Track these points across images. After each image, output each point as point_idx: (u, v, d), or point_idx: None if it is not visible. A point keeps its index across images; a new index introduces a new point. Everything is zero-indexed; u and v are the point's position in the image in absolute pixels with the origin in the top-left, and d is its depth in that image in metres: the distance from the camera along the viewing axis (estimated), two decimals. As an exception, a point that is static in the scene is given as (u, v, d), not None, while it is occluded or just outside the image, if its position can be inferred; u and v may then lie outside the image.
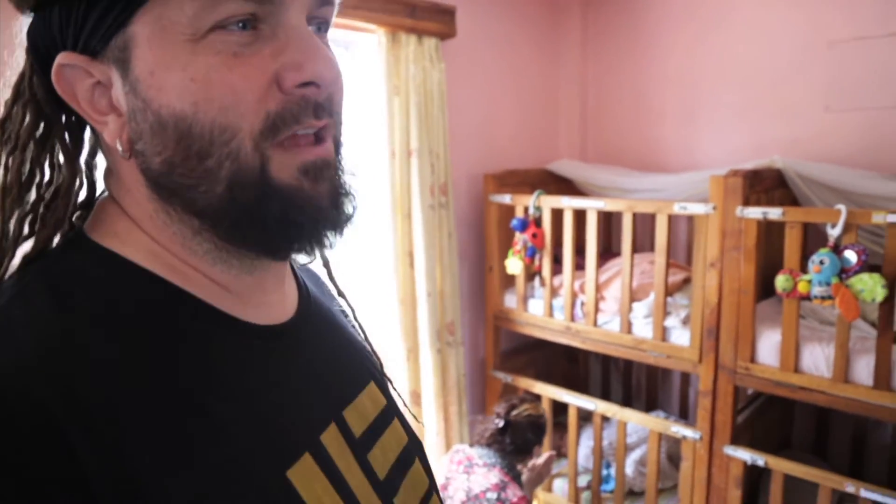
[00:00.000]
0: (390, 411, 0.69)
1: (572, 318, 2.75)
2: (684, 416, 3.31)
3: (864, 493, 2.04)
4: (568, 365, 3.56)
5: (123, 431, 0.42)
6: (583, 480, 2.91)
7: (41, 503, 0.39)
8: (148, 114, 0.49)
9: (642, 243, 3.10)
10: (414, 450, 0.70)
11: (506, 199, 2.88)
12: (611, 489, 2.84)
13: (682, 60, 3.15)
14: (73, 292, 0.48)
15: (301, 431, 0.55)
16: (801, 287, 2.04)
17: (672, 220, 2.40)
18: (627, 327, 2.57)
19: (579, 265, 2.83)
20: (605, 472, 2.92)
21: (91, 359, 0.44)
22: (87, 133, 0.58)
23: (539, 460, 2.39)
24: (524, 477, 2.34)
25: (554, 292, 2.83)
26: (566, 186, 3.26)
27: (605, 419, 2.78)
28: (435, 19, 2.72)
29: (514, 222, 2.81)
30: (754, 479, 2.61)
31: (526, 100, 3.40)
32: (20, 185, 0.54)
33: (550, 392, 2.86)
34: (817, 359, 2.12)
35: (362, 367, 0.69)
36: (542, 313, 2.85)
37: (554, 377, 3.26)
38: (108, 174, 0.56)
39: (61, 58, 0.50)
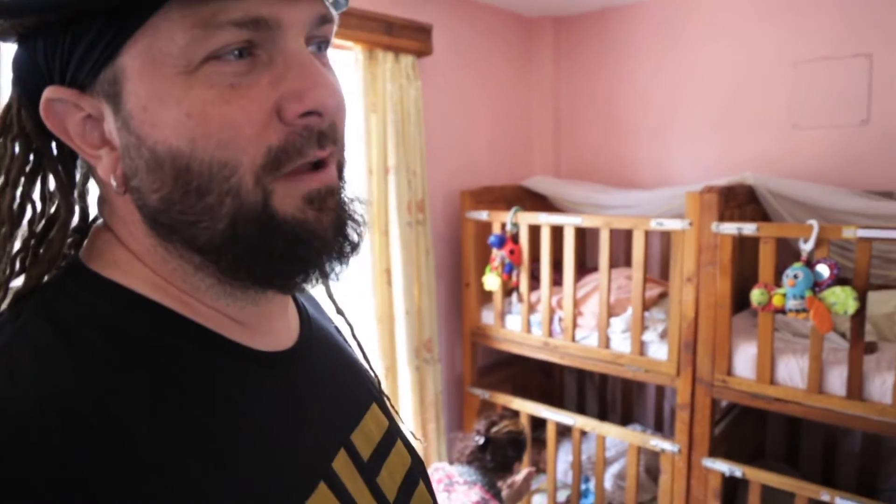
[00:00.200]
0: (393, 432, 0.68)
1: (550, 334, 2.77)
2: (659, 428, 3.35)
3: (839, 502, 2.09)
4: (544, 380, 3.58)
5: (141, 470, 0.41)
6: (562, 495, 2.92)
7: None
8: (143, 150, 0.46)
9: (616, 259, 3.14)
10: (417, 470, 0.69)
11: (482, 215, 2.89)
12: (590, 503, 2.85)
13: (653, 79, 3.22)
14: (78, 327, 0.46)
15: (314, 460, 0.54)
16: (776, 300, 2.09)
17: (647, 235, 2.44)
18: (605, 342, 2.59)
19: (556, 281, 2.85)
20: (584, 486, 2.93)
21: (105, 398, 0.43)
22: (79, 160, 0.56)
23: (519, 477, 2.39)
24: (504, 494, 2.33)
25: (531, 308, 2.84)
26: (541, 203, 3.29)
27: (584, 434, 2.79)
28: (412, 37, 2.73)
29: (492, 239, 2.82)
30: (730, 490, 2.65)
31: (500, 117, 3.43)
32: (12, 222, 0.51)
33: (529, 408, 2.87)
34: (792, 370, 2.17)
35: (364, 389, 0.69)
36: (520, 329, 2.87)
37: (530, 392, 3.27)
38: (102, 203, 0.54)
39: (49, 92, 0.47)
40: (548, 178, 3.40)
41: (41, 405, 0.40)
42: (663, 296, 2.72)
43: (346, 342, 0.76)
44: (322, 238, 0.50)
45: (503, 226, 2.82)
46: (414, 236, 2.80)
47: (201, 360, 0.50)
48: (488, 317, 3.01)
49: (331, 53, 0.56)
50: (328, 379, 0.63)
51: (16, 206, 0.51)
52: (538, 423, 2.97)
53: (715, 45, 3.00)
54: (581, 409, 3.52)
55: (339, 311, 0.77)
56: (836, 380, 2.08)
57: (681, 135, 3.16)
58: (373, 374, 0.75)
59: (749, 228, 2.18)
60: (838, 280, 2.01)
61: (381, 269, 2.73)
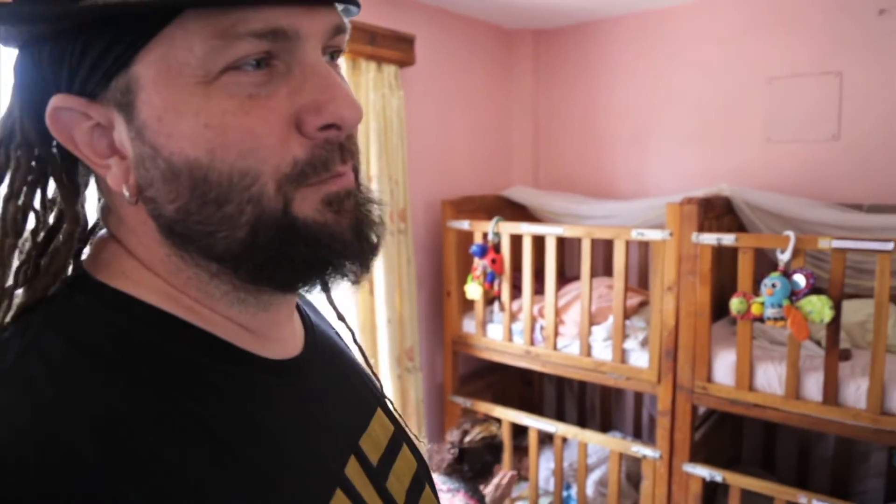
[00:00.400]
0: (399, 437, 0.68)
1: (532, 342, 2.79)
2: (638, 436, 3.40)
3: (816, 504, 2.15)
4: (523, 388, 3.61)
5: (168, 483, 0.41)
6: (544, 502, 2.94)
7: None
8: (158, 161, 0.46)
9: (595, 268, 3.18)
10: (423, 474, 0.69)
11: (464, 225, 2.91)
12: (571, 510, 2.87)
13: (630, 92, 3.29)
14: (91, 340, 0.45)
15: (329, 467, 0.54)
16: (755, 309, 2.15)
17: (627, 245, 2.49)
18: (587, 350, 2.63)
19: (537, 290, 2.88)
20: (565, 493, 2.95)
21: (126, 411, 0.42)
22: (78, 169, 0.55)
23: (502, 480, 2.40)
24: (488, 499, 2.34)
25: (513, 317, 2.87)
26: (520, 213, 3.33)
27: (564, 441, 2.82)
28: (394, 47, 2.75)
29: (474, 248, 2.85)
30: (708, 495, 2.70)
31: (480, 127, 3.46)
32: (16, 233, 0.50)
33: (510, 416, 2.89)
34: (770, 377, 2.23)
35: (369, 394, 0.69)
36: (502, 338, 2.89)
37: (510, 400, 3.29)
38: (107, 213, 0.53)
39: (56, 100, 0.46)
40: (528, 189, 3.44)
41: (64, 419, 0.40)
42: (643, 304, 2.77)
43: (347, 347, 0.76)
44: (342, 240, 0.50)
45: (485, 235, 2.85)
46: (395, 245, 2.81)
47: (217, 372, 0.50)
48: (469, 325, 3.03)
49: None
50: (334, 385, 0.63)
51: (20, 217, 0.50)
52: (519, 431, 3.00)
53: (691, 60, 3.08)
54: (560, 417, 3.56)
55: (341, 317, 0.77)
56: (813, 386, 2.15)
57: (658, 147, 3.23)
58: (375, 379, 0.74)
59: (728, 239, 2.23)
60: (814, 289, 2.08)
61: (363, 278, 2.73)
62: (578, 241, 3.04)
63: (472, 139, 3.41)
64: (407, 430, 0.72)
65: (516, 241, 2.79)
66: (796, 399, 2.16)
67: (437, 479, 2.26)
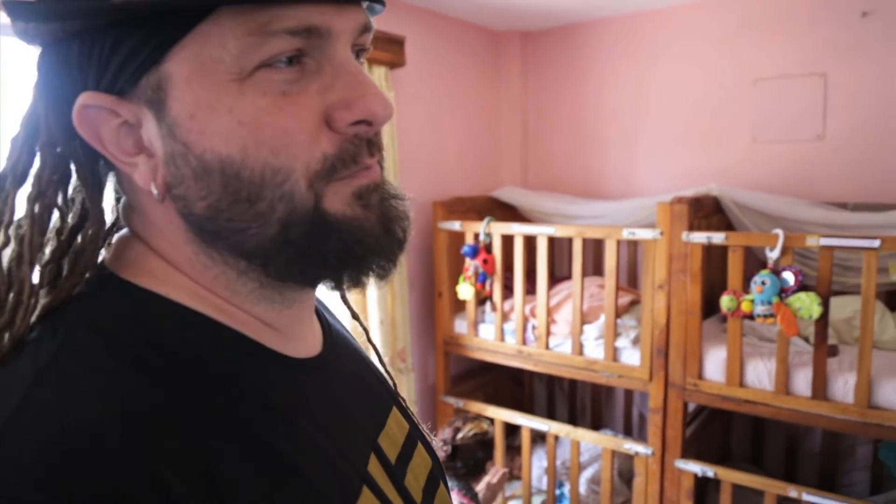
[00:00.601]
0: (414, 435, 0.69)
1: (524, 342, 2.81)
2: (629, 433, 3.43)
3: (806, 497, 2.19)
4: (514, 387, 3.63)
5: (211, 480, 0.41)
6: (537, 501, 2.96)
7: None
8: (189, 158, 0.46)
9: (586, 268, 3.21)
10: (438, 472, 0.70)
11: (455, 225, 2.93)
12: (564, 508, 2.90)
13: (618, 93, 3.33)
14: (124, 339, 0.45)
15: (354, 465, 0.54)
16: (745, 306, 2.18)
17: (618, 244, 2.51)
18: (579, 349, 2.65)
19: (528, 290, 2.90)
20: (558, 491, 2.98)
21: (166, 409, 0.43)
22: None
23: (493, 478, 2.42)
24: (481, 496, 2.36)
25: (505, 317, 2.89)
26: (510, 213, 3.35)
27: (556, 439, 2.84)
28: (385, 48, 2.76)
29: (466, 249, 2.86)
30: (700, 490, 2.73)
31: (470, 128, 3.48)
32: (42, 232, 0.49)
33: (503, 415, 2.91)
34: (760, 373, 2.26)
35: (384, 392, 0.69)
36: (494, 338, 2.91)
37: (501, 400, 3.31)
38: (130, 211, 0.53)
39: (85, 98, 0.45)
40: (518, 189, 3.46)
41: (106, 416, 0.40)
42: (634, 303, 2.80)
43: (360, 347, 0.77)
44: (373, 234, 0.50)
45: (476, 236, 2.86)
46: (388, 246, 2.81)
47: (249, 370, 0.50)
48: (461, 326, 3.04)
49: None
50: (352, 384, 0.64)
51: (46, 216, 0.50)
52: (511, 430, 3.01)
53: (679, 61, 3.12)
54: (551, 416, 3.57)
55: (355, 316, 0.77)
56: (802, 381, 2.19)
57: (646, 147, 3.26)
58: (388, 378, 0.75)
59: (718, 237, 2.27)
60: (802, 287, 2.12)
61: (357, 280, 2.73)
62: (569, 241, 3.08)
63: (462, 140, 3.43)
64: (421, 428, 0.72)
65: (507, 241, 2.81)
66: (786, 394, 2.19)
67: (431, 477, 2.27)
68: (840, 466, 2.88)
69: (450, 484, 2.25)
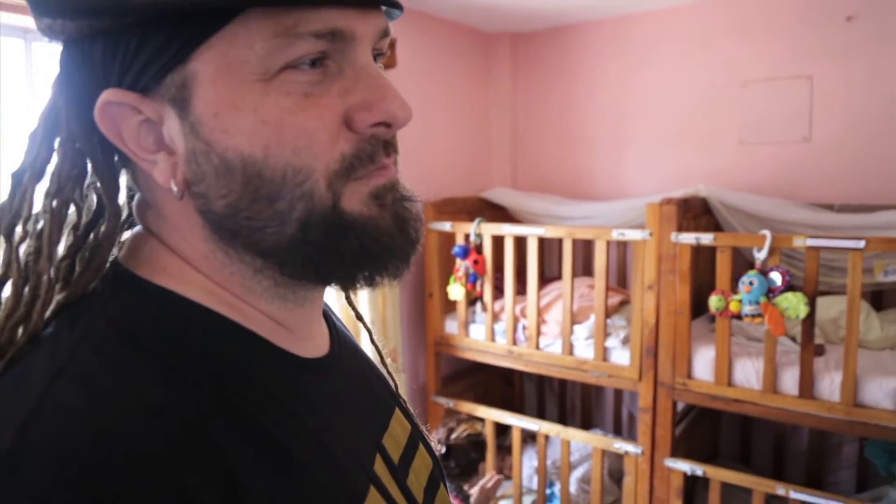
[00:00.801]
0: (415, 436, 0.69)
1: (515, 342, 2.82)
2: (619, 432, 3.45)
3: (794, 495, 2.21)
4: (505, 387, 3.64)
5: (227, 478, 0.42)
6: (528, 500, 2.97)
7: None
8: (212, 156, 0.46)
9: (575, 268, 3.23)
10: (438, 473, 0.71)
11: (446, 226, 2.94)
12: (554, 508, 2.91)
13: (607, 94, 3.35)
14: (142, 336, 0.46)
15: (361, 465, 0.55)
16: (733, 306, 2.21)
17: (607, 245, 2.53)
18: (569, 349, 2.67)
19: (518, 290, 2.92)
20: (549, 490, 2.99)
21: (184, 407, 0.43)
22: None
23: (488, 483, 2.43)
24: (473, 500, 2.37)
25: (495, 317, 2.90)
26: (500, 214, 3.36)
27: (547, 439, 2.85)
28: (376, 50, 2.76)
29: (456, 249, 2.87)
30: (688, 489, 2.75)
31: (460, 130, 3.49)
32: (59, 228, 0.50)
33: (494, 415, 2.92)
34: (748, 373, 2.29)
35: (387, 393, 0.70)
36: (484, 338, 2.92)
37: (491, 400, 3.32)
38: (146, 208, 0.53)
39: (108, 95, 0.46)
40: (508, 190, 3.47)
41: (126, 412, 0.40)
42: (624, 303, 2.82)
43: (361, 347, 0.78)
44: (389, 233, 0.51)
45: (467, 237, 2.87)
46: (379, 247, 2.81)
47: (260, 369, 0.51)
48: (452, 326, 3.05)
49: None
50: (358, 384, 0.64)
51: (64, 212, 0.50)
52: (502, 430, 3.02)
53: (667, 63, 3.14)
54: (541, 416, 3.59)
55: (359, 317, 0.78)
56: (789, 380, 2.21)
57: (635, 148, 3.29)
58: (390, 379, 0.76)
59: (706, 238, 2.29)
60: (789, 287, 2.14)
61: (347, 280, 2.73)
62: (559, 241, 3.09)
63: (453, 141, 3.44)
64: (421, 429, 0.73)
65: (498, 242, 2.82)
66: (773, 393, 2.22)
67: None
68: (827, 464, 2.91)
69: (442, 484, 2.26)
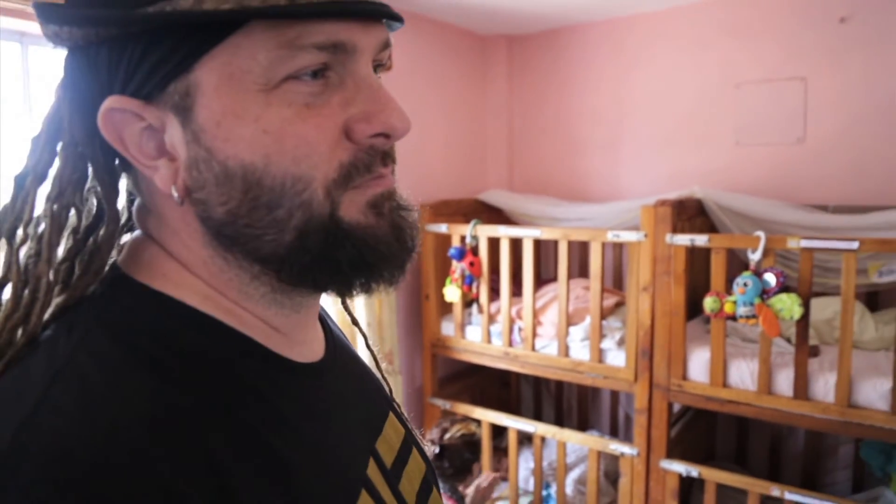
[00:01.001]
0: (409, 440, 0.70)
1: (510, 344, 2.83)
2: (615, 434, 3.45)
3: (789, 496, 2.22)
4: (501, 389, 3.64)
5: (221, 484, 0.42)
6: (524, 502, 2.97)
7: None
8: (213, 164, 0.47)
9: (571, 270, 3.23)
10: (431, 477, 0.71)
11: (442, 228, 2.94)
12: (550, 509, 2.91)
13: (603, 96, 3.36)
14: (139, 340, 0.46)
15: (353, 468, 0.56)
16: (728, 307, 2.21)
17: (603, 247, 2.54)
18: (565, 350, 2.67)
19: (514, 292, 2.92)
20: (545, 492, 2.99)
21: (178, 411, 0.44)
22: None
23: (483, 482, 2.43)
24: (468, 500, 2.37)
25: (491, 319, 2.90)
26: (496, 216, 3.37)
27: (543, 440, 2.86)
28: (371, 53, 2.77)
29: (452, 251, 2.87)
30: (684, 490, 2.76)
31: (456, 132, 3.50)
32: (59, 231, 0.50)
33: (490, 416, 2.92)
34: (743, 374, 2.29)
35: (381, 397, 0.71)
36: (481, 340, 2.92)
37: (488, 402, 3.32)
38: (146, 214, 0.54)
39: (111, 101, 0.47)
40: (504, 192, 3.48)
41: (122, 416, 0.41)
42: (619, 305, 2.82)
43: (357, 352, 0.78)
44: (386, 242, 0.52)
45: (462, 238, 2.88)
46: (375, 249, 2.81)
47: (255, 374, 0.51)
48: (448, 328, 3.05)
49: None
50: (352, 389, 0.65)
51: (64, 215, 0.51)
52: (498, 432, 3.03)
53: (662, 65, 3.15)
54: (538, 418, 3.59)
55: (355, 322, 0.79)
56: (784, 381, 2.22)
57: (630, 150, 3.30)
58: (385, 384, 0.76)
59: (701, 240, 2.30)
60: (783, 288, 2.15)
61: (344, 283, 2.74)
62: (554, 243, 3.09)
63: (448, 143, 3.45)
64: (415, 433, 0.74)
65: (494, 243, 2.82)
66: (768, 394, 2.22)
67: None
68: (823, 466, 2.92)
69: (437, 486, 2.26)
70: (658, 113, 3.18)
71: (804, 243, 2.11)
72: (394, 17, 0.52)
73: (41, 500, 0.36)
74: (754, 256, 2.18)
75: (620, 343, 2.58)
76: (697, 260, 2.59)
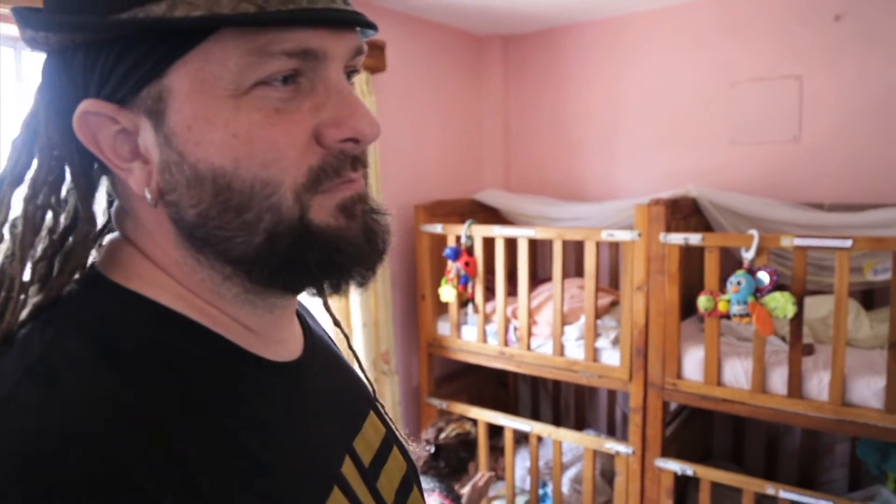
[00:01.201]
0: (390, 439, 0.71)
1: (506, 343, 2.83)
2: (612, 433, 3.45)
3: (783, 494, 2.22)
4: (499, 389, 3.64)
5: (186, 477, 0.43)
6: (520, 501, 2.98)
7: None
8: (184, 167, 0.48)
9: (567, 269, 3.24)
10: (412, 476, 0.72)
11: (437, 228, 2.94)
12: (547, 508, 2.91)
13: (598, 96, 3.36)
14: (111, 339, 0.47)
15: (326, 466, 0.56)
16: (721, 306, 2.21)
17: (597, 246, 2.54)
18: (560, 350, 2.67)
19: (510, 292, 2.92)
20: (541, 491, 2.99)
21: (147, 406, 0.44)
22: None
23: (480, 481, 2.43)
24: (464, 499, 2.37)
25: (487, 318, 2.90)
26: (492, 216, 3.37)
27: (540, 440, 2.86)
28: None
29: (447, 251, 2.87)
30: (680, 489, 2.76)
31: (452, 132, 3.50)
32: (35, 232, 0.51)
33: (486, 416, 2.92)
34: (737, 372, 2.29)
35: (362, 397, 0.71)
36: (476, 339, 2.92)
37: (485, 401, 3.32)
38: (123, 215, 0.55)
39: (86, 105, 0.48)
40: (499, 192, 3.48)
41: (91, 413, 0.41)
42: (614, 304, 2.82)
43: (340, 352, 0.78)
44: (355, 244, 0.52)
45: (458, 238, 2.88)
46: (370, 250, 2.82)
47: (227, 373, 0.52)
48: (444, 328, 3.06)
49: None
50: (331, 387, 0.65)
51: (38, 216, 0.52)
52: (495, 431, 3.03)
53: (657, 64, 3.15)
54: (535, 417, 3.60)
55: (336, 323, 0.79)
56: (778, 380, 2.21)
57: (626, 149, 3.29)
58: (367, 383, 0.76)
59: (695, 239, 2.29)
60: (777, 286, 2.15)
61: (339, 283, 2.74)
62: (550, 242, 3.09)
63: (444, 144, 3.45)
64: (397, 433, 0.74)
65: (489, 243, 2.83)
66: (762, 393, 2.22)
67: (414, 478, 2.28)
68: (819, 464, 2.91)
69: (432, 485, 2.26)
70: (653, 112, 3.18)
71: (798, 242, 2.11)
72: (365, 25, 0.53)
73: (2, 494, 0.37)
74: (748, 255, 2.18)
75: (615, 342, 2.58)
76: (691, 259, 2.59)
